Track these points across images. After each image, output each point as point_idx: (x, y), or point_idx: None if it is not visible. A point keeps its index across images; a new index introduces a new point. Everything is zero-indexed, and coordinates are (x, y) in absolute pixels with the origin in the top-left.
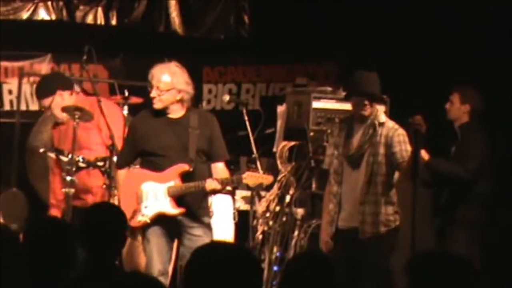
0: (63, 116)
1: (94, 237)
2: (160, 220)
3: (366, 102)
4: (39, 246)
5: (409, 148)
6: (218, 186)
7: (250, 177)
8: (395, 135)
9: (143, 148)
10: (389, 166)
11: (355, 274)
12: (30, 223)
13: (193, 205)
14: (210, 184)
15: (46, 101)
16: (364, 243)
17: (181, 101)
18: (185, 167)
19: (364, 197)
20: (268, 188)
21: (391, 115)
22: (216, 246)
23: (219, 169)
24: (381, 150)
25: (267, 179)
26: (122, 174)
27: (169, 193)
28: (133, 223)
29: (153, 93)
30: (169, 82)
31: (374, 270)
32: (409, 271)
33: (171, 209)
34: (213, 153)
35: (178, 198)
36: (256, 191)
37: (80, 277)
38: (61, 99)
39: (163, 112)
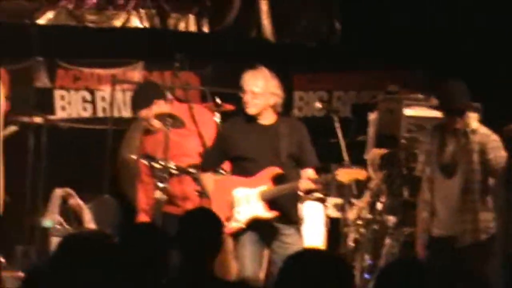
0: (159, 124)
1: (190, 243)
2: (254, 226)
3: (458, 118)
4: (134, 251)
5: (503, 153)
6: (312, 185)
7: (344, 173)
8: (489, 141)
9: (235, 154)
10: (485, 173)
11: (450, 282)
12: (125, 228)
13: (285, 208)
14: (304, 183)
15: (143, 112)
16: (463, 251)
17: (273, 106)
18: (276, 170)
19: (462, 205)
20: (359, 195)
21: (484, 122)
22: (309, 254)
23: (309, 174)
24: (475, 157)
25: (361, 173)
26: (207, 177)
27: (261, 197)
28: (227, 229)
29: (247, 98)
30: (263, 86)
31: (470, 278)
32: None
33: (265, 213)
34: (303, 158)
35: (271, 202)
36: (348, 198)
37: (174, 283)
38: (158, 109)
39: (254, 118)
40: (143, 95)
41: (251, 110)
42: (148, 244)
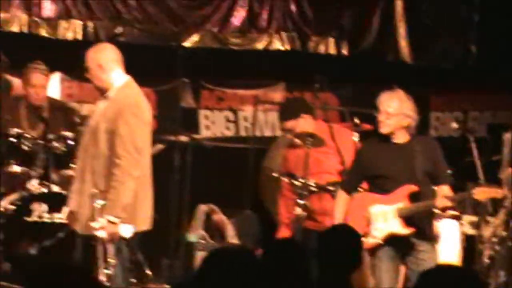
0: (301, 143)
1: (331, 258)
2: (390, 241)
3: None
4: (275, 265)
5: None
6: (448, 203)
7: (480, 192)
8: None
9: (372, 172)
10: None
11: None
12: (267, 243)
13: (421, 225)
14: (440, 201)
15: (289, 124)
16: None
17: (406, 127)
18: (413, 187)
19: None
20: (494, 213)
21: None
22: (444, 270)
23: (445, 191)
24: None
25: (498, 192)
26: (344, 196)
27: (398, 213)
28: (364, 245)
29: (381, 118)
30: (397, 107)
31: None
32: None
33: (401, 229)
34: (438, 176)
35: (407, 219)
36: (483, 216)
37: None
38: (304, 123)
39: (388, 138)
40: (291, 108)
41: (384, 129)
42: (289, 259)
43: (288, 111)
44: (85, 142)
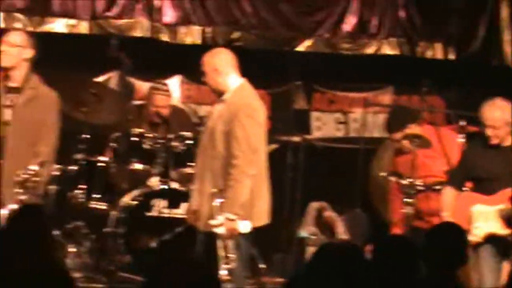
0: (407, 144)
1: (438, 255)
2: (491, 241)
3: None
4: (386, 262)
5: None
6: None
7: None
8: None
9: (475, 174)
10: None
11: None
12: (380, 240)
13: None
14: None
15: (397, 135)
16: None
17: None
18: None
19: None
20: None
21: None
22: None
23: None
24: None
25: None
26: (450, 193)
27: (500, 214)
28: None
29: (488, 131)
30: (500, 118)
31: None
32: None
33: (502, 230)
34: None
35: (508, 220)
36: None
37: None
38: (410, 130)
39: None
40: (397, 119)
41: (494, 141)
42: (399, 255)
43: (394, 122)
44: (203, 143)
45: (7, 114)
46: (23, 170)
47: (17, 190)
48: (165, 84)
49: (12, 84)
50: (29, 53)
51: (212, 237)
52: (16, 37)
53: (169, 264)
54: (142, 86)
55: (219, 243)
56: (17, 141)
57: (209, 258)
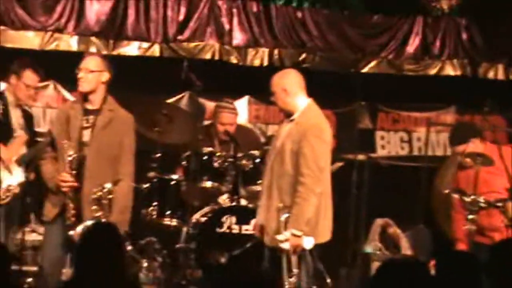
0: (470, 162)
1: (502, 272)
2: None
3: None
4: (450, 278)
5: None
6: None
7: None
8: None
9: None
10: None
11: None
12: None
13: None
14: None
15: (460, 148)
16: None
17: None
18: None
19: None
20: None
21: None
22: None
23: None
24: None
25: None
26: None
27: None
28: None
29: None
30: None
31: None
32: None
33: None
34: None
35: None
36: None
37: None
38: (473, 145)
39: None
40: (461, 133)
41: None
42: (462, 270)
43: (457, 136)
44: (271, 161)
45: (86, 135)
46: (98, 188)
47: (93, 207)
48: (231, 103)
49: (90, 106)
50: (106, 76)
51: (277, 252)
52: (92, 62)
53: (238, 279)
54: (212, 106)
55: (284, 258)
56: (96, 161)
57: (275, 272)
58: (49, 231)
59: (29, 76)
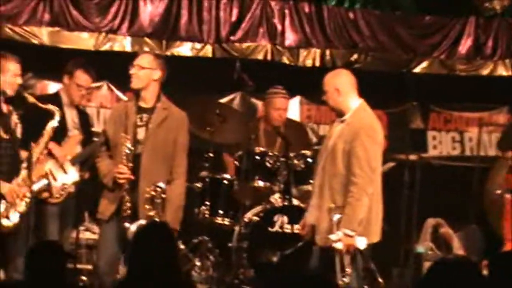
0: None
1: None
2: None
3: None
4: (502, 278)
5: None
6: None
7: None
8: None
9: None
10: None
11: None
12: (495, 255)
13: None
14: None
15: (508, 154)
16: None
17: None
18: None
19: None
20: None
21: None
22: None
23: None
24: None
25: None
26: None
27: None
28: None
29: None
30: None
31: None
32: None
33: None
34: None
35: None
36: None
37: None
38: None
39: None
40: (508, 138)
41: None
42: None
43: (506, 142)
44: (323, 161)
45: (140, 134)
46: (151, 187)
47: (146, 206)
48: (282, 88)
49: (144, 104)
50: (158, 74)
51: (329, 251)
52: (144, 60)
53: (290, 278)
54: (261, 106)
55: (337, 258)
56: (151, 159)
57: (327, 272)
58: (105, 229)
59: (81, 77)
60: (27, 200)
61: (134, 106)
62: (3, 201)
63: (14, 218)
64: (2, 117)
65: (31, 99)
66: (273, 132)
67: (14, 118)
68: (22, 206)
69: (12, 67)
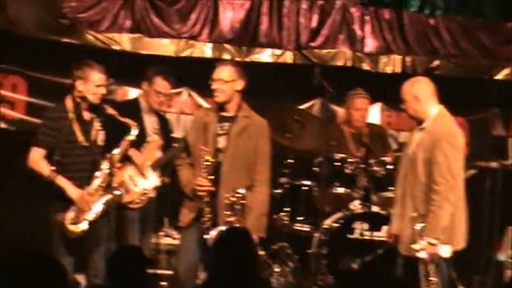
0: None
1: None
2: None
3: None
4: None
5: None
6: None
7: None
8: None
9: None
10: None
11: None
12: None
13: None
14: None
15: None
16: None
17: None
18: None
19: None
20: None
21: None
22: None
23: None
24: None
25: None
26: None
27: None
28: None
29: None
30: None
31: None
32: None
33: None
34: None
35: None
36: None
37: None
38: None
39: None
40: None
41: None
42: None
43: None
44: (404, 169)
45: (221, 142)
46: (231, 193)
47: (226, 212)
48: (362, 90)
49: (226, 113)
50: (240, 84)
51: (412, 260)
52: (225, 72)
53: (371, 285)
54: (343, 112)
55: (421, 267)
56: (232, 168)
57: (410, 281)
58: (185, 235)
59: (160, 83)
60: (94, 210)
61: (216, 116)
62: (73, 207)
63: (82, 225)
64: (84, 124)
65: (110, 110)
66: (357, 138)
67: (96, 125)
68: (90, 215)
69: (96, 76)
